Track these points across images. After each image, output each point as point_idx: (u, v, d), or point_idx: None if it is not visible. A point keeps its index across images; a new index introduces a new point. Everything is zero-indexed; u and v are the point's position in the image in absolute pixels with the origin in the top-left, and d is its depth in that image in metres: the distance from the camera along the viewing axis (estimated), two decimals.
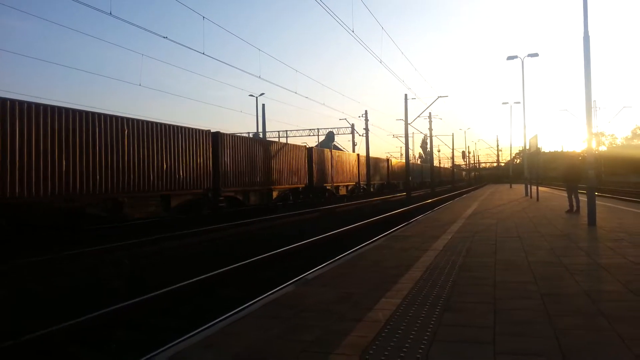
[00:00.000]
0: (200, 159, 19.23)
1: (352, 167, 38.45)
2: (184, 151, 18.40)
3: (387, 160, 50.54)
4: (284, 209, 24.46)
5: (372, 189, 43.11)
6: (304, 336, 3.57)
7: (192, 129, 19.12)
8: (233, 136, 22.02)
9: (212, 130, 20.61)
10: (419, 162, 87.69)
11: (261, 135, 46.89)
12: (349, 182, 37.50)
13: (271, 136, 52.86)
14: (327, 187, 33.10)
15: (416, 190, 51.80)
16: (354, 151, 50.70)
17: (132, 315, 6.08)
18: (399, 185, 52.51)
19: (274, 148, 25.84)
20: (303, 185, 28.93)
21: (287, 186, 26.87)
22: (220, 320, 4.81)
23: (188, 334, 4.68)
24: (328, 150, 35.60)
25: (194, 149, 18.95)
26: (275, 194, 25.33)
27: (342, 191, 36.03)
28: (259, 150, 23.96)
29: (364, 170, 41.58)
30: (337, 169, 34.92)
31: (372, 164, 43.62)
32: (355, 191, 38.42)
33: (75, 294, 7.39)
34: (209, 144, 19.90)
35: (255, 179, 23.35)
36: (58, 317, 5.72)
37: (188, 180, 18.48)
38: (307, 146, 31.89)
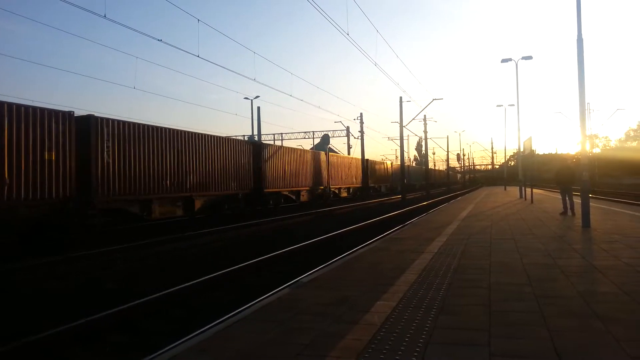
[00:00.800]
0: (51, 155, 13.05)
1: (321, 169, 33.01)
2: (15, 142, 12.15)
3: (367, 160, 45.31)
4: (215, 222, 18.96)
5: (347, 194, 38.64)
6: (299, 339, 3.56)
7: (32, 107, 12.94)
8: (122, 124, 15.86)
9: (77, 113, 14.29)
10: (413, 164, 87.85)
11: (256, 138, 46.81)
12: (315, 186, 31.84)
13: (266, 139, 52.79)
14: (283, 193, 27.27)
15: (407, 193, 48.95)
16: (349, 154, 50.44)
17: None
18: (381, 189, 48.22)
19: (197, 142, 19.62)
20: (247, 191, 23.08)
21: (218, 192, 20.74)
22: (216, 324, 4.79)
23: (183, 338, 4.65)
24: (286, 147, 29.91)
25: (36, 140, 12.70)
26: (198, 203, 19.34)
27: (305, 197, 30.27)
28: (170, 144, 17.89)
29: (338, 171, 36.61)
30: (298, 171, 29.17)
31: (347, 165, 39.13)
32: (323, 196, 33.14)
33: None
34: (69, 133, 13.65)
35: (164, 183, 17.37)
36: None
37: (22, 187, 12.12)
38: (256, 142, 26.62)
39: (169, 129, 18.19)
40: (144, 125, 16.93)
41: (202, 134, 20.23)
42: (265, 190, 24.82)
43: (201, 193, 19.57)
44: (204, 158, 19.94)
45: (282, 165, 27.06)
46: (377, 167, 48.42)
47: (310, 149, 44.98)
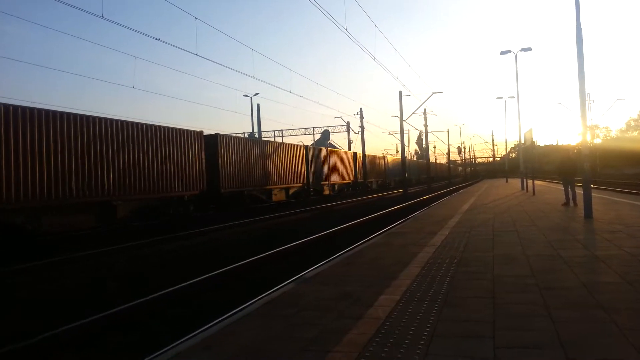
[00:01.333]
0: None
1: (298, 164, 29.44)
2: None
3: (354, 154, 42.19)
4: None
5: (331, 191, 34.76)
6: (304, 334, 3.57)
7: None
8: None
9: None
10: (414, 158, 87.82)
11: (256, 136, 46.78)
12: (291, 183, 28.19)
13: (267, 136, 52.74)
14: (250, 193, 23.58)
15: (396, 189, 45.19)
16: (349, 149, 50.33)
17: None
18: (372, 185, 45.07)
19: (119, 132, 15.65)
20: (196, 192, 19.28)
21: (152, 195, 16.83)
22: (220, 321, 4.80)
23: (187, 335, 4.66)
24: (250, 139, 25.84)
25: None
26: (122, 209, 15.64)
27: (279, 196, 26.71)
28: (75, 134, 14.04)
29: (321, 167, 32.97)
30: (268, 167, 25.50)
31: (331, 160, 35.34)
32: (301, 195, 29.57)
33: None
34: None
35: (66, 185, 13.68)
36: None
37: None
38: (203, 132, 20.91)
39: (73, 114, 14.22)
40: (31, 109, 13.15)
41: (126, 122, 16.11)
42: (223, 190, 21.09)
43: (126, 197, 15.65)
44: (131, 152, 15.99)
45: (247, 161, 23.30)
46: (368, 161, 44.98)
47: (311, 145, 44.87)
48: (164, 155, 17.57)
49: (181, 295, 7.09)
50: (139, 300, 6.48)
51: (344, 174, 38.18)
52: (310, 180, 31.11)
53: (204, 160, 19.81)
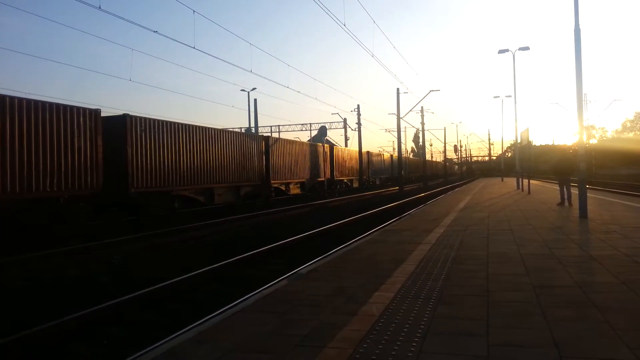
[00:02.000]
0: None
1: (254, 158, 23.80)
2: None
3: (332, 147, 37.13)
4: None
5: (302, 190, 29.64)
6: (298, 330, 3.56)
7: None
8: None
9: None
10: (411, 156, 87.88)
11: (253, 131, 46.68)
12: (243, 181, 22.61)
13: (264, 131, 52.62)
14: (179, 194, 18.01)
15: (386, 188, 43.47)
16: (346, 146, 50.16)
17: None
18: (351, 184, 39.98)
19: None
20: (84, 194, 13.87)
21: (24, 195, 12.15)
22: (214, 316, 4.79)
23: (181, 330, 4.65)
24: (174, 123, 18.22)
25: None
26: None
27: (225, 197, 21.13)
28: None
29: (286, 162, 27.48)
30: (210, 161, 19.90)
31: (299, 154, 29.78)
32: (258, 196, 24.62)
33: None
34: None
35: None
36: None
37: None
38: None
39: None
40: None
41: None
42: (135, 189, 15.69)
43: None
44: None
45: (176, 152, 17.79)
46: (346, 157, 39.56)
47: (308, 141, 44.75)
48: (23, 140, 12.24)
49: None
50: None
51: (318, 171, 32.61)
52: (273, 177, 25.88)
53: (100, 149, 14.53)
